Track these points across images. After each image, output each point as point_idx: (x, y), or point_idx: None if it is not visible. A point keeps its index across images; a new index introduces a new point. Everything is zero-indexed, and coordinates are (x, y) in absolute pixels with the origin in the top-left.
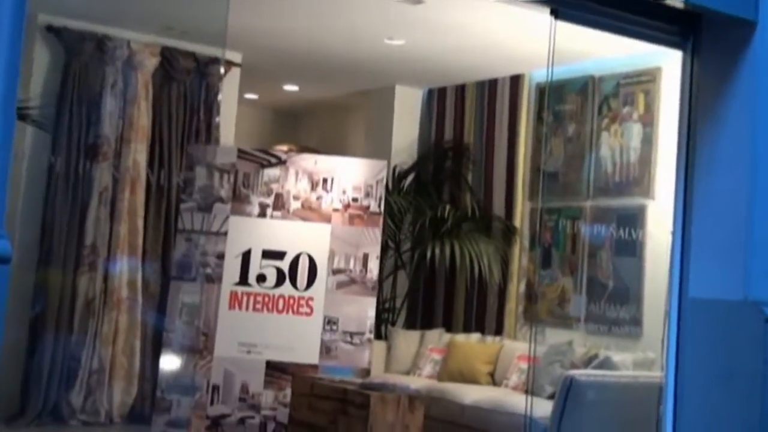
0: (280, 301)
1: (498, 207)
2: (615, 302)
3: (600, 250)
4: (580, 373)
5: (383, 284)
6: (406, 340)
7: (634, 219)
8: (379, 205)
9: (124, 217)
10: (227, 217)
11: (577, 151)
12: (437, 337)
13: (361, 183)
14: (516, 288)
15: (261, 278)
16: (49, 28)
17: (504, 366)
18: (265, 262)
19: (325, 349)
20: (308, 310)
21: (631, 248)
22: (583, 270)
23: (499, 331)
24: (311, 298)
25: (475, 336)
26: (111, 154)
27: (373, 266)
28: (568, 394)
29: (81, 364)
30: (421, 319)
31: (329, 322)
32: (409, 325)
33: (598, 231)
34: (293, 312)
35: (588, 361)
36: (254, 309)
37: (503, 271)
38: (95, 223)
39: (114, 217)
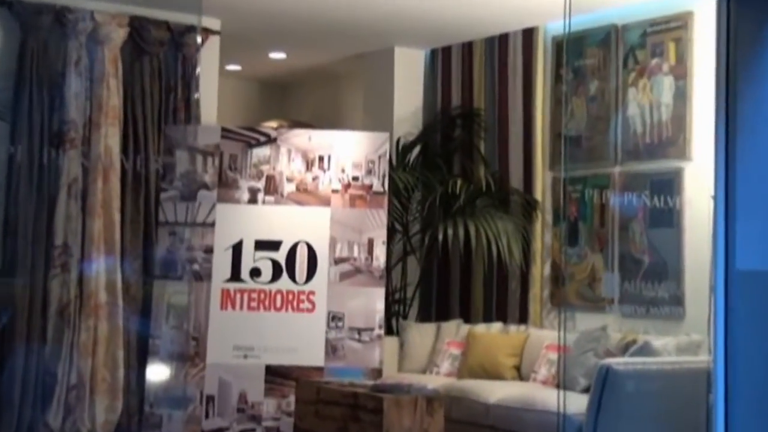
0: (278, 297)
1: (516, 179)
2: (652, 279)
3: (632, 221)
4: (616, 362)
5: (392, 272)
6: (421, 335)
7: (669, 184)
8: (383, 184)
9: (97, 211)
10: (214, 206)
11: (602, 112)
12: (455, 329)
13: (361, 159)
14: (540, 270)
15: (255, 272)
16: (0, 2)
17: (531, 358)
18: (259, 254)
19: (331, 349)
20: (310, 306)
21: (668, 217)
22: (614, 245)
23: (523, 319)
24: (312, 292)
25: (496, 326)
26: (79, 141)
27: (380, 253)
28: (604, 385)
29: (57, 379)
30: (435, 310)
31: (334, 319)
32: (423, 317)
33: (630, 200)
34: (293, 309)
35: (625, 348)
36: (249, 308)
37: (525, 251)
38: (65, 219)
39: (86, 212)
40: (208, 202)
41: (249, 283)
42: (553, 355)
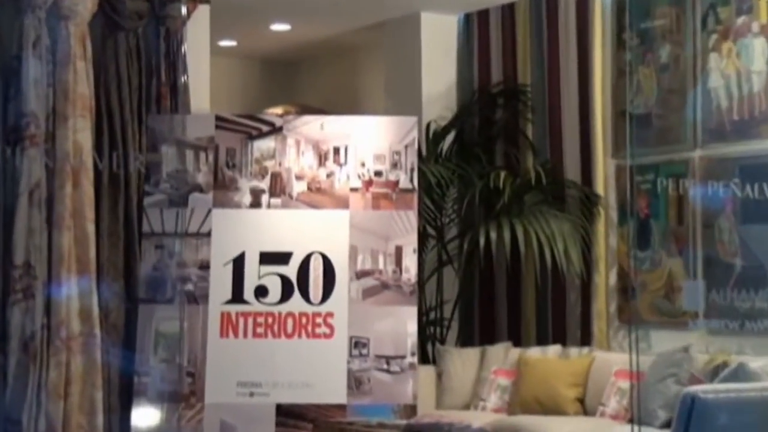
0: (289, 321)
1: (571, 169)
2: (747, 287)
3: (719, 217)
4: (704, 390)
5: (425, 287)
6: (462, 362)
7: (764, 170)
8: (412, 179)
9: (66, 222)
10: (209, 212)
11: (676, 83)
12: (502, 354)
13: (384, 150)
14: (604, 279)
15: (261, 292)
16: None
17: (597, 387)
18: (265, 269)
19: (355, 383)
20: (327, 331)
21: (764, 211)
22: (696, 247)
23: (586, 340)
24: (330, 314)
25: (553, 349)
26: (41, 137)
27: (410, 263)
28: (690, 419)
29: (22, 427)
30: (479, 331)
31: (357, 345)
32: (464, 341)
33: (714, 191)
34: (307, 335)
35: (714, 372)
36: (255, 334)
37: (585, 256)
38: (27, 232)
39: (53, 223)
40: (202, 207)
41: (254, 305)
42: (625, 384)
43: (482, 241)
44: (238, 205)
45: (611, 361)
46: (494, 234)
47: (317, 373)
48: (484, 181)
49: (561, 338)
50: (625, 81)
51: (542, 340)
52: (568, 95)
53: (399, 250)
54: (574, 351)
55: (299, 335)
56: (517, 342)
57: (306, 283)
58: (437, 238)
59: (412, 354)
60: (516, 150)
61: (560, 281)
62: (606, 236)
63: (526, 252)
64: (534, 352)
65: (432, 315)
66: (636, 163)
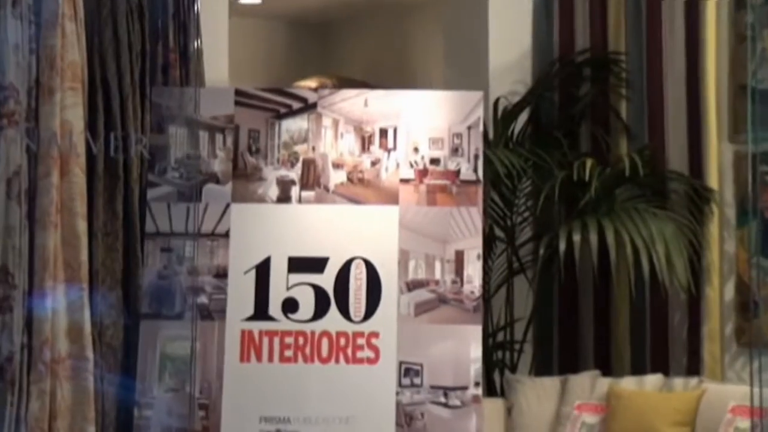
0: (324, 343)
1: (676, 156)
2: None
3: None
4: None
5: (491, 302)
6: (538, 395)
7: None
8: (476, 169)
9: (52, 219)
10: (227, 207)
11: None
12: (588, 385)
13: (443, 132)
14: (718, 293)
15: (290, 306)
16: None
17: (709, 427)
18: (295, 277)
19: (405, 419)
20: (371, 355)
21: None
22: None
23: (694, 368)
24: (375, 334)
25: (653, 380)
26: (22, 115)
27: (474, 272)
28: None
29: None
30: (558, 357)
31: (408, 373)
32: (541, 368)
33: None
34: (347, 359)
35: None
36: (282, 358)
37: (693, 265)
38: (3, 230)
39: (36, 219)
40: (218, 201)
41: (281, 322)
42: (744, 423)
43: (563, 245)
44: (262, 200)
45: (726, 395)
46: (578, 237)
47: (358, 406)
48: (565, 172)
49: (662, 366)
50: (746, 48)
51: (638, 369)
52: (671, 66)
53: (460, 256)
54: (678, 382)
55: (336, 360)
56: (607, 370)
57: (345, 296)
58: (507, 241)
59: (476, 384)
60: (606, 133)
61: (661, 296)
62: (720, 240)
63: (618, 259)
64: (628, 384)
65: (500, 336)
66: (760, 150)
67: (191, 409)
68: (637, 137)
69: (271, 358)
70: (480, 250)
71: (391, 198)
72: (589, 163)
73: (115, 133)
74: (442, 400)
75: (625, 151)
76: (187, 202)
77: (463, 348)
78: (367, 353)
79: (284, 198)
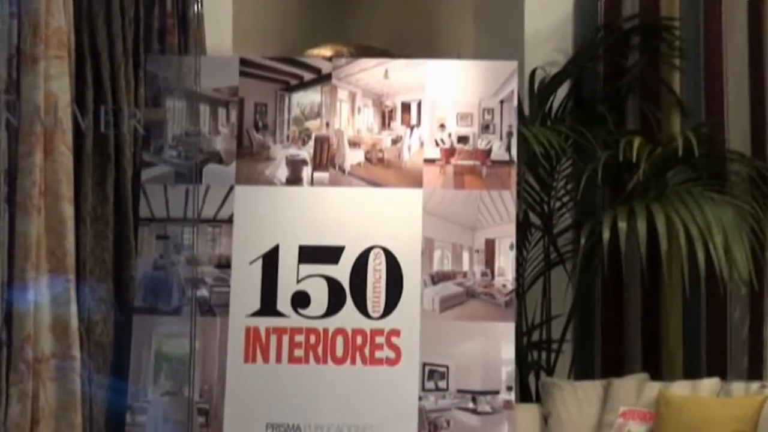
0: (339, 341)
1: (737, 135)
2: None
3: None
4: None
5: (526, 297)
6: (578, 401)
7: None
8: (509, 148)
9: (35, 203)
10: (231, 190)
11: None
12: (634, 390)
13: (472, 107)
14: None
15: (300, 300)
16: None
17: None
18: (307, 269)
19: (429, 427)
20: (392, 355)
21: None
22: None
23: (756, 372)
24: (395, 332)
25: (709, 384)
26: (1, 86)
27: (506, 263)
28: None
29: None
30: (601, 358)
31: (432, 375)
32: (581, 371)
33: None
34: (364, 360)
35: None
36: (292, 359)
37: (756, 257)
38: None
39: (16, 203)
40: (221, 183)
41: (291, 318)
42: None
43: (607, 233)
44: (270, 181)
45: None
46: (624, 224)
47: (377, 413)
48: (610, 152)
49: (719, 369)
50: None
51: (692, 372)
52: (732, 33)
53: (491, 246)
54: (738, 387)
55: (352, 360)
56: (657, 374)
57: (362, 290)
58: (544, 229)
59: (509, 388)
60: (656, 108)
61: (719, 291)
62: None
63: (669, 250)
64: (681, 388)
65: (536, 335)
66: None
67: (190, 415)
68: (692, 113)
69: (279, 359)
70: (513, 239)
71: (414, 180)
72: (637, 141)
73: (105, 107)
74: (471, 405)
75: (678, 128)
76: (186, 184)
77: (493, 348)
78: (387, 353)
79: (294, 180)
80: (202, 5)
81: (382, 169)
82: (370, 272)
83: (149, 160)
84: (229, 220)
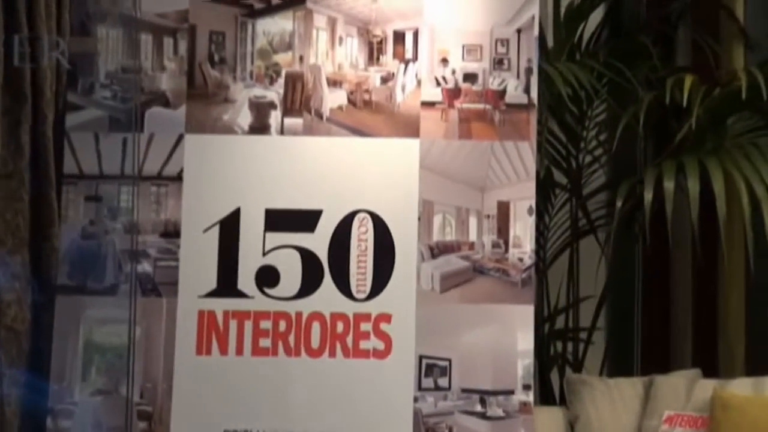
0: (315, 329)
1: None
2: None
3: None
4: None
5: (548, 274)
6: (612, 402)
7: None
8: (528, 88)
9: None
10: (180, 140)
11: None
12: (683, 390)
13: (482, 37)
14: None
15: (267, 277)
16: None
17: None
18: (275, 238)
19: None
20: (380, 346)
21: None
22: None
23: None
24: (385, 317)
25: None
26: None
27: (524, 232)
28: None
29: None
30: (641, 351)
31: (431, 371)
32: (616, 366)
33: None
34: (346, 352)
35: None
36: (256, 350)
37: None
38: None
39: None
40: (167, 132)
41: (256, 300)
42: None
43: (649, 195)
44: (229, 129)
45: None
46: (671, 183)
47: (361, 417)
48: (654, 93)
49: None
50: None
51: (756, 368)
52: None
53: (504, 210)
54: None
55: (332, 352)
56: (711, 370)
57: (344, 264)
58: (571, 189)
59: (526, 387)
60: (713, 40)
61: None
62: None
63: (729, 216)
64: (741, 387)
65: (560, 322)
66: None
67: (128, 420)
68: (759, 46)
69: (240, 350)
70: (532, 202)
71: (410, 128)
72: (688, 81)
73: (19, 36)
74: (478, 408)
75: (741, 65)
76: (123, 133)
77: (507, 337)
78: (375, 343)
79: (260, 127)
80: None
81: (370, 115)
82: (354, 243)
83: (76, 103)
84: (178, 178)
